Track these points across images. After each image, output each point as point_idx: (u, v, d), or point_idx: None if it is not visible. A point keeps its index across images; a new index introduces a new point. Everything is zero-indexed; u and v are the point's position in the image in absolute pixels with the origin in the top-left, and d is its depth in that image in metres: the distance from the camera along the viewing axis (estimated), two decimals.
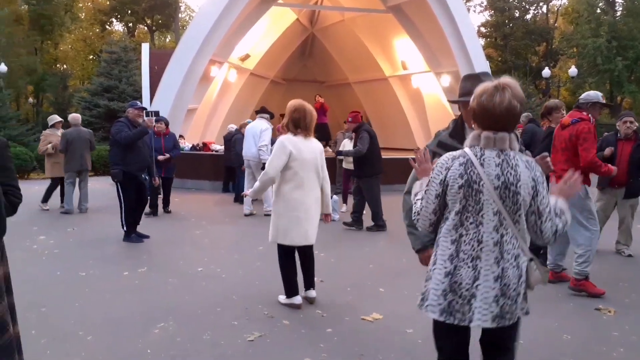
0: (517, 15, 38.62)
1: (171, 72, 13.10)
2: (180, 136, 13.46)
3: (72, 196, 8.69)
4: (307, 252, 4.33)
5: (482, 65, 14.28)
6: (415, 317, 3.91)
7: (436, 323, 2.16)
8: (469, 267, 2.02)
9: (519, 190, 2.00)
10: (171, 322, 3.77)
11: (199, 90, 13.72)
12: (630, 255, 6.25)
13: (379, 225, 7.51)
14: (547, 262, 5.12)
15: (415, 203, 2.22)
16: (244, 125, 10.89)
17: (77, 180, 8.79)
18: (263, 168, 9.16)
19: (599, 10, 32.85)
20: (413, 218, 2.22)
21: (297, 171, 4.09)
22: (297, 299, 4.17)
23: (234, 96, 16.77)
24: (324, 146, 15.38)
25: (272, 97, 19.96)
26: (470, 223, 2.03)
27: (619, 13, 31.47)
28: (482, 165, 2.01)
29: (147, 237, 6.60)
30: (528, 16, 39.59)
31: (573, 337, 3.69)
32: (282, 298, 4.25)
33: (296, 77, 21.13)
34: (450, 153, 2.11)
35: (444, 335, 2.19)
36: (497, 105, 1.98)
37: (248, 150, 8.67)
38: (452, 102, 2.91)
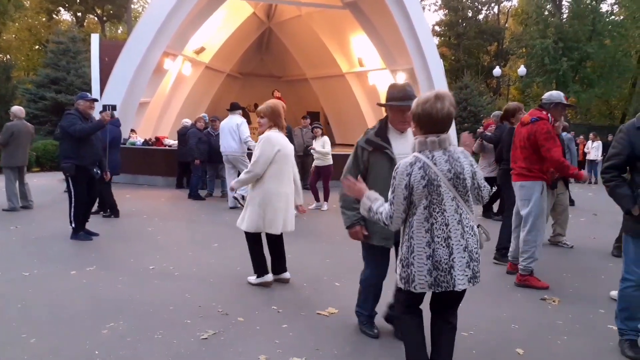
0: (470, 15, 39.72)
1: (123, 64, 12.68)
2: (132, 130, 13.07)
3: (16, 192, 8.27)
4: (278, 240, 4.69)
5: (436, 63, 14.59)
6: None
7: (400, 291, 2.66)
8: (443, 246, 2.45)
9: (465, 177, 2.49)
10: (121, 322, 3.64)
11: (151, 83, 13.35)
12: (572, 247, 6.54)
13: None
14: (509, 254, 5.27)
15: (378, 213, 2.58)
16: (199, 119, 10.69)
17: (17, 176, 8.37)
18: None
19: (546, 12, 34.15)
20: (386, 224, 2.56)
21: (280, 166, 4.45)
22: (269, 277, 4.58)
23: (189, 90, 16.41)
24: None
25: (228, 91, 19.71)
26: (437, 212, 2.45)
27: (565, 15, 32.76)
28: (435, 164, 2.44)
29: (96, 234, 6.37)
30: (480, 16, 40.79)
31: (521, 326, 3.82)
32: (253, 278, 4.59)
33: (253, 71, 20.91)
34: (405, 161, 2.50)
35: (416, 298, 2.69)
36: (439, 112, 2.42)
37: (227, 145, 8.64)
38: (380, 105, 3.20)
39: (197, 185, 10.21)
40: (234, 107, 8.93)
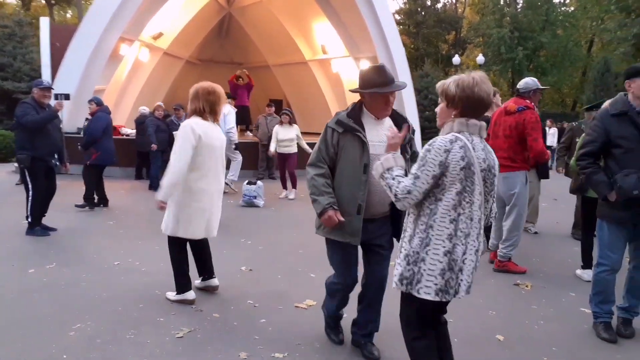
0: (428, 3, 40.05)
1: (76, 50, 12.04)
2: (87, 119, 12.49)
3: None
4: (204, 244, 4.11)
5: (399, 51, 14.62)
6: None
7: (422, 303, 2.27)
8: (462, 244, 2.19)
9: (494, 173, 2.29)
10: (89, 323, 3.43)
11: (107, 69, 12.75)
12: (536, 233, 6.70)
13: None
14: (490, 245, 5.31)
15: (396, 179, 2.25)
16: (157, 107, 10.31)
17: None
18: (236, 148, 8.87)
19: (502, 2, 34.91)
20: (397, 197, 2.23)
21: (204, 159, 3.78)
22: (191, 294, 3.87)
23: (146, 77, 15.80)
24: (244, 130, 15.04)
25: (187, 78, 19.09)
26: (466, 202, 2.19)
27: (520, 6, 33.57)
28: (473, 149, 2.20)
29: (53, 229, 6.03)
30: (439, 5, 41.22)
31: (498, 312, 3.85)
32: (172, 295, 3.90)
33: (212, 58, 20.38)
34: (444, 137, 2.21)
35: (428, 312, 2.37)
36: (489, 96, 2.22)
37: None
38: (356, 91, 2.81)
39: (158, 175, 9.85)
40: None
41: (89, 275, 4.45)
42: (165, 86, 17.41)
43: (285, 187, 9.03)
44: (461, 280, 2.21)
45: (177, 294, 3.89)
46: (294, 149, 8.81)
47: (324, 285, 4.28)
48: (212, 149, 3.83)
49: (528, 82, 4.93)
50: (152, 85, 16.25)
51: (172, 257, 3.95)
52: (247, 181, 8.36)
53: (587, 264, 4.69)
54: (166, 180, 3.69)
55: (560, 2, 34.61)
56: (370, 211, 2.84)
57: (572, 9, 33.76)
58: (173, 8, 14.79)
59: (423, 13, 39.45)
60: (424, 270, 2.20)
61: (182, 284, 3.88)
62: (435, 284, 2.19)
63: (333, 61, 16.55)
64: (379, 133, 2.83)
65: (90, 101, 7.99)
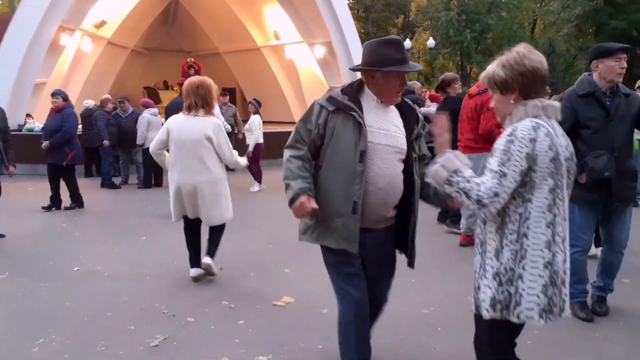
0: None
1: (11, 41, 11.26)
2: (28, 115, 11.76)
3: None
4: (195, 229, 4.27)
5: (353, 36, 14.56)
6: (326, 296, 3.80)
7: (515, 327, 1.90)
8: (561, 250, 1.82)
9: (576, 161, 1.95)
10: (54, 336, 3.19)
11: (47, 61, 12.02)
12: None
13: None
14: (461, 227, 5.32)
15: (470, 181, 1.82)
16: (106, 101, 9.78)
17: None
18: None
19: None
20: (482, 202, 1.78)
21: (174, 153, 4.02)
22: (192, 271, 4.17)
23: (90, 68, 15.04)
24: None
25: (133, 68, 18.41)
26: (560, 200, 1.82)
27: None
28: (556, 135, 1.83)
29: (2, 236, 5.61)
30: None
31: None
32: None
33: (159, 46, 19.66)
34: (525, 123, 1.81)
35: (507, 335, 1.98)
36: (540, 65, 1.87)
37: None
38: (364, 69, 2.30)
39: (110, 172, 9.40)
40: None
41: (48, 284, 4.15)
42: (110, 77, 16.65)
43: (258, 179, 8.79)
44: (565, 295, 1.84)
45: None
46: (259, 140, 8.53)
47: (299, 280, 4.22)
48: (182, 144, 3.95)
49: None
50: (97, 76, 15.49)
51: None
52: None
53: None
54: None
55: None
56: (368, 217, 2.30)
57: None
58: None
59: None
60: (523, 289, 1.79)
61: (190, 258, 4.23)
62: (538, 304, 1.79)
63: (287, 47, 16.30)
64: (380, 119, 2.31)
65: (55, 95, 7.28)
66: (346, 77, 14.47)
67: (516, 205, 1.82)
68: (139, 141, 8.94)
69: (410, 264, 2.50)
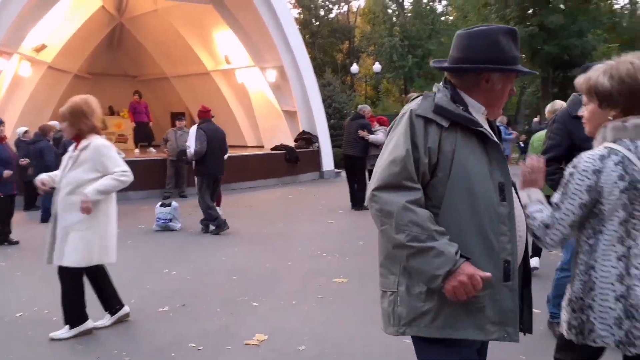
0: (322, 14, 40.90)
1: None
2: None
3: None
4: (100, 271, 3.84)
5: (305, 60, 14.60)
6: (301, 331, 3.63)
7: (598, 348, 1.81)
8: None
9: None
10: None
11: None
12: None
13: (219, 226, 7.11)
14: None
15: (531, 217, 1.74)
16: (49, 129, 9.17)
17: None
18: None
19: (391, 11, 36.70)
20: (536, 235, 1.72)
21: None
22: (90, 323, 3.66)
23: (29, 93, 14.17)
24: (147, 147, 14.08)
25: (76, 93, 17.28)
26: (638, 231, 1.67)
27: (408, 15, 35.47)
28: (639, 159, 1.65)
29: None
30: (332, 15, 42.24)
31: None
32: (63, 331, 3.56)
33: (104, 71, 18.93)
34: (592, 153, 1.69)
35: (587, 355, 1.90)
36: None
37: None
38: (476, 68, 1.64)
39: (50, 207, 8.76)
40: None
41: None
42: (51, 104, 15.78)
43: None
44: None
45: (72, 327, 3.57)
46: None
47: (271, 315, 3.98)
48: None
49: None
50: (36, 102, 14.65)
51: (75, 290, 3.64)
52: (159, 203, 7.71)
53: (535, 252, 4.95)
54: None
55: (443, 12, 37.11)
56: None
57: (452, 18, 36.35)
58: (57, 17, 13.47)
59: (317, 23, 40.19)
60: (594, 318, 1.72)
61: (82, 314, 3.63)
62: (613, 334, 1.68)
63: (237, 71, 16.11)
64: None
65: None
66: (299, 101, 14.47)
67: (587, 236, 1.74)
68: None
69: (528, 329, 1.78)
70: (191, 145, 7.48)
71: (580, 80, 1.81)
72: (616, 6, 34.28)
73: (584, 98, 1.85)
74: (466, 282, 1.48)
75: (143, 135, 13.74)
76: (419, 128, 1.58)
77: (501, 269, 1.58)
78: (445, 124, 1.58)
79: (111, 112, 17.75)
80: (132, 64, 19.35)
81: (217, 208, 8.22)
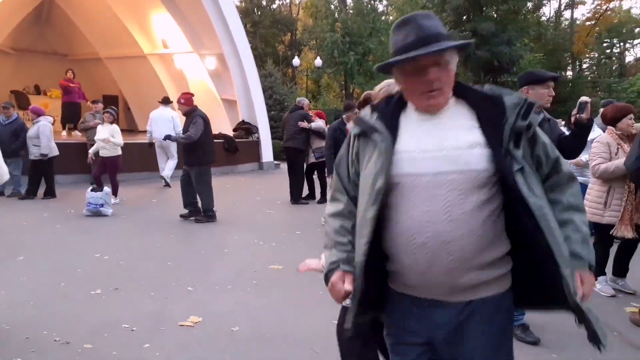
0: (264, 4, 40.56)
1: None
2: None
3: None
4: None
5: (246, 49, 14.52)
6: (236, 314, 3.74)
7: None
8: None
9: None
10: None
11: None
12: None
13: (209, 215, 7.04)
14: None
15: None
16: None
17: None
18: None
19: (333, 7, 37.06)
20: None
21: None
22: None
23: None
24: (72, 129, 13.36)
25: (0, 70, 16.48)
26: None
27: (350, 12, 35.97)
28: None
29: None
30: (274, 6, 41.99)
31: None
32: None
33: (30, 47, 17.80)
34: None
35: None
36: None
37: (160, 133, 9.45)
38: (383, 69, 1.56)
39: None
40: (165, 101, 10.72)
41: None
42: None
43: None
44: None
45: None
46: (118, 152, 8.18)
47: (205, 298, 4.07)
48: None
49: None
50: None
51: None
52: (90, 188, 7.48)
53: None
54: None
55: (383, 11, 37.97)
56: (419, 284, 1.54)
57: (392, 18, 37.31)
58: None
59: (259, 13, 39.83)
60: None
61: None
62: None
63: (176, 56, 15.75)
64: (427, 139, 1.50)
65: None
66: (238, 89, 14.38)
67: None
68: (43, 151, 8.27)
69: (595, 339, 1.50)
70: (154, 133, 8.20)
71: None
72: (542, 19, 36.64)
73: None
74: (330, 289, 1.61)
75: (72, 117, 13.08)
76: (350, 140, 1.68)
77: (360, 264, 1.55)
78: (357, 131, 1.63)
79: (37, 91, 16.79)
80: (62, 41, 18.34)
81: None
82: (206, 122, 7.03)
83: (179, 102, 7.23)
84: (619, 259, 4.39)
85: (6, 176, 3.43)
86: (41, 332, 3.33)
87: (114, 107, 8.69)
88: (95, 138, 8.22)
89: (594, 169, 4.20)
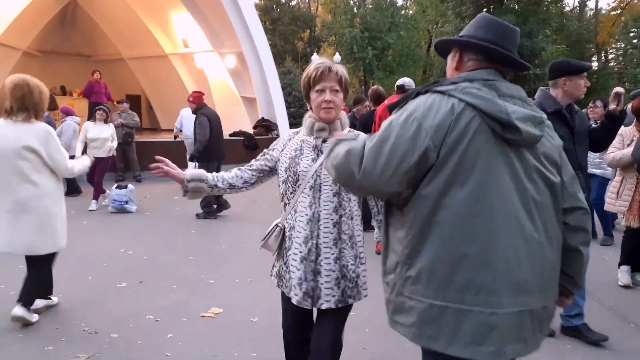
0: (283, 1, 40.70)
1: None
2: None
3: None
4: (30, 261, 3.51)
5: (264, 47, 14.64)
6: (255, 305, 3.86)
7: None
8: None
9: None
10: None
11: None
12: None
13: (207, 212, 7.20)
14: (375, 236, 5.61)
15: None
16: None
17: None
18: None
19: (352, 3, 36.95)
20: None
21: None
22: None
23: None
24: None
25: (26, 72, 16.75)
26: None
27: (368, 7, 35.83)
28: None
29: None
30: (293, 2, 42.10)
31: None
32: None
33: (55, 49, 18.30)
34: None
35: None
36: None
37: (190, 130, 8.59)
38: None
39: None
40: None
41: None
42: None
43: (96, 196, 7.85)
44: None
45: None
46: (106, 153, 7.76)
47: (226, 291, 4.21)
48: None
49: (405, 80, 5.50)
50: None
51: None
52: (115, 185, 7.71)
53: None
54: None
55: (403, 5, 37.72)
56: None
57: (410, 12, 37.04)
58: None
59: (278, 10, 39.97)
60: None
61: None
62: None
63: (196, 55, 15.97)
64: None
65: None
66: (257, 87, 14.53)
67: None
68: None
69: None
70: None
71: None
72: (565, 9, 35.88)
73: None
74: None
75: None
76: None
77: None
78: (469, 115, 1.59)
79: (63, 92, 17.24)
80: (86, 43, 18.79)
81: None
82: (210, 119, 7.14)
83: (188, 100, 7.38)
84: (629, 252, 4.36)
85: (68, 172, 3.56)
86: (71, 322, 3.51)
87: (106, 104, 8.66)
88: (93, 137, 7.75)
89: (606, 158, 4.24)
